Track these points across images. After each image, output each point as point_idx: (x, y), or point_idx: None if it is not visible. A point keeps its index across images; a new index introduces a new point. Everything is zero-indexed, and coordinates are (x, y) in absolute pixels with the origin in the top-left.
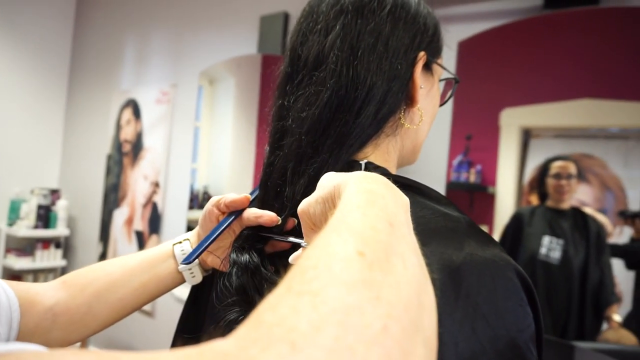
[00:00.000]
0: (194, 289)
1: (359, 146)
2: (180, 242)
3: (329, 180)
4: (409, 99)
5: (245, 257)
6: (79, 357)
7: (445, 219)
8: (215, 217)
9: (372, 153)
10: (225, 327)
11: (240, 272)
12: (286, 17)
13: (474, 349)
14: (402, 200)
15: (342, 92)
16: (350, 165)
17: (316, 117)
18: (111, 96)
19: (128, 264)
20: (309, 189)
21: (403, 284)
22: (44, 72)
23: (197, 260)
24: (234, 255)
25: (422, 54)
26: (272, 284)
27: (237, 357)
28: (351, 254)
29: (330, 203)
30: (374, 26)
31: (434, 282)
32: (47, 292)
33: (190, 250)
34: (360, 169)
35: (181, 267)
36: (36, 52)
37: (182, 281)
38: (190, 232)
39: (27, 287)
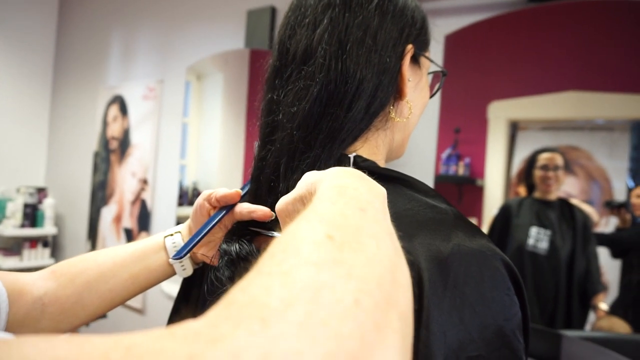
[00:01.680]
0: (185, 283)
1: (351, 140)
2: (172, 235)
3: (305, 179)
4: (398, 92)
5: (235, 247)
6: (50, 342)
7: (433, 211)
8: (206, 211)
9: (362, 147)
10: None
11: (231, 262)
12: (273, 11)
13: (462, 338)
14: (377, 191)
15: (332, 86)
16: (340, 160)
17: (307, 112)
18: (97, 92)
19: (119, 255)
20: None
21: (375, 262)
22: (28, 68)
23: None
24: (224, 246)
25: (409, 47)
26: None
27: (208, 335)
28: (320, 237)
29: (307, 201)
30: (362, 19)
31: (422, 271)
32: (36, 282)
33: (182, 242)
34: (349, 163)
35: (171, 261)
36: (19, 48)
37: (173, 273)
38: (181, 225)
39: (16, 277)
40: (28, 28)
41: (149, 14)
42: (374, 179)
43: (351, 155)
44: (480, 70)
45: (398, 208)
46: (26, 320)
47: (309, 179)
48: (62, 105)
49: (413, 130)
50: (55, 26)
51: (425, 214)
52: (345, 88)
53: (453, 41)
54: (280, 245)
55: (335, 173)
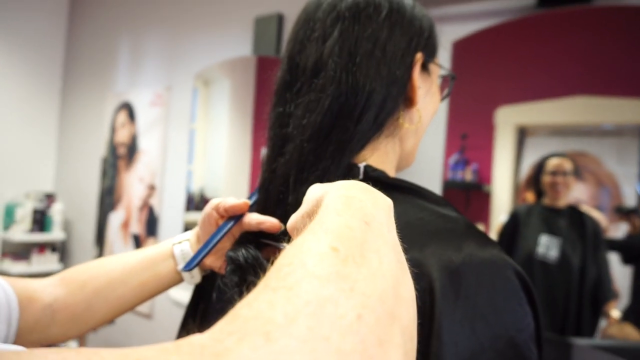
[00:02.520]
0: (195, 293)
1: (359, 149)
2: (180, 242)
3: (311, 194)
4: (408, 100)
5: (242, 253)
6: (60, 355)
7: (444, 220)
8: (214, 221)
9: (371, 155)
10: None
11: (238, 268)
12: (280, 18)
13: (474, 349)
14: (383, 203)
15: (343, 98)
16: (350, 169)
17: (317, 124)
18: (105, 98)
19: (128, 263)
20: None
21: (378, 277)
22: (38, 74)
23: None
24: (230, 253)
25: (419, 55)
26: None
27: (213, 349)
28: (325, 250)
29: (314, 215)
30: (372, 32)
31: (433, 282)
32: (46, 289)
33: (190, 250)
34: (359, 173)
35: (183, 273)
36: (29, 54)
37: (181, 280)
38: (189, 232)
39: (26, 284)
40: (37, 34)
41: (157, 20)
42: (384, 189)
43: (361, 165)
44: (487, 76)
45: (409, 218)
46: (36, 326)
47: (315, 193)
48: (71, 111)
49: (423, 137)
50: (64, 32)
51: (437, 223)
52: (355, 100)
53: (461, 47)
54: (286, 258)
55: (341, 185)
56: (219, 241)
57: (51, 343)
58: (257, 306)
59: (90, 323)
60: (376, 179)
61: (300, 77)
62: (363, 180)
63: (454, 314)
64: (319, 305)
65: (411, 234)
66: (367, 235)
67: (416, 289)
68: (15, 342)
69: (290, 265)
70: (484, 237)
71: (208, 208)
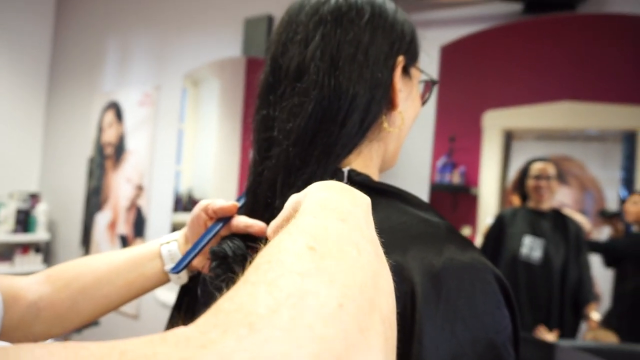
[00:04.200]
0: (182, 292)
1: (346, 154)
2: (168, 243)
3: (290, 200)
4: (390, 103)
5: (227, 244)
6: (46, 348)
7: (426, 225)
8: (203, 222)
9: (355, 160)
10: None
11: (222, 261)
12: (270, 20)
13: (454, 352)
14: (361, 200)
15: (325, 102)
16: (334, 174)
17: (302, 129)
18: (93, 98)
19: (114, 261)
20: None
21: (357, 268)
22: (23, 73)
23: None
24: (214, 248)
25: (400, 58)
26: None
27: (198, 340)
28: (302, 249)
29: (292, 219)
30: (354, 36)
31: (415, 285)
32: (31, 287)
33: (177, 251)
34: (343, 177)
35: (167, 270)
36: (15, 52)
37: (168, 280)
38: (177, 232)
39: (11, 282)
40: (24, 33)
41: (145, 19)
42: (367, 193)
43: (345, 170)
44: (475, 80)
45: (392, 222)
46: (20, 324)
47: (293, 199)
48: (57, 110)
49: (405, 140)
50: (51, 30)
51: (419, 227)
52: (339, 104)
53: (449, 51)
54: (264, 257)
55: (318, 188)
56: (208, 243)
57: (34, 341)
58: (239, 300)
59: (75, 321)
60: (360, 183)
61: (283, 79)
62: (347, 184)
63: (435, 318)
64: (300, 297)
65: (394, 238)
66: (343, 232)
67: (398, 292)
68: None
69: (269, 263)
70: (464, 241)
71: (197, 209)
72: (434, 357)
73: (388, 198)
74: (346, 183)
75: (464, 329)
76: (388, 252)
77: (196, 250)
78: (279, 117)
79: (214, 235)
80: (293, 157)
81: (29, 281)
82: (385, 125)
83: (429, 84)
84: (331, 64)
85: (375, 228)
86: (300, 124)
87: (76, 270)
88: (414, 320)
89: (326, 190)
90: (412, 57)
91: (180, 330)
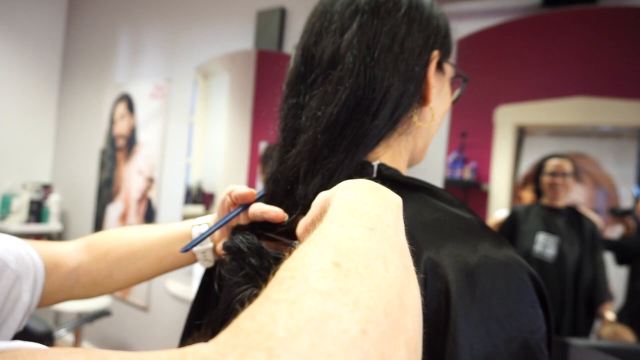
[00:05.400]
0: (203, 283)
1: (373, 146)
2: (200, 225)
3: (319, 198)
4: (422, 98)
5: (240, 238)
6: (71, 357)
7: (459, 221)
8: (227, 206)
9: (384, 153)
10: (238, 304)
11: (237, 253)
12: (283, 12)
13: (489, 351)
14: (390, 201)
15: (360, 92)
16: (363, 167)
17: (334, 117)
18: (105, 90)
19: (149, 238)
20: (323, 189)
21: (383, 286)
22: (36, 65)
23: (210, 244)
24: (226, 243)
25: (435, 53)
26: (273, 256)
27: None
28: (327, 265)
29: (319, 221)
30: (390, 27)
31: (449, 283)
32: (71, 255)
33: None
34: (373, 171)
35: (197, 255)
36: (28, 45)
37: (196, 260)
38: (210, 216)
39: (52, 250)
40: (36, 24)
41: (157, 12)
42: (397, 188)
43: (375, 164)
44: (489, 74)
45: (425, 218)
46: (61, 288)
47: (322, 197)
48: (70, 102)
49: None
50: (63, 22)
51: (452, 224)
52: (373, 95)
53: (464, 45)
54: (288, 271)
55: (347, 188)
56: (220, 227)
57: (74, 299)
58: (260, 319)
59: (111, 287)
60: (390, 177)
61: (315, 68)
62: (376, 178)
63: (469, 316)
64: (322, 320)
65: (427, 235)
66: (371, 243)
67: (431, 291)
68: (40, 303)
69: (293, 279)
70: (498, 239)
71: (224, 193)
72: (469, 356)
73: (419, 193)
74: (375, 177)
75: (498, 328)
76: (422, 248)
77: (207, 233)
78: (308, 105)
79: (228, 220)
80: (321, 145)
81: (69, 248)
82: (416, 119)
83: (457, 81)
84: (367, 53)
85: (407, 224)
86: (332, 111)
87: (113, 242)
88: (448, 319)
89: (355, 191)
90: (446, 53)
91: (200, 349)
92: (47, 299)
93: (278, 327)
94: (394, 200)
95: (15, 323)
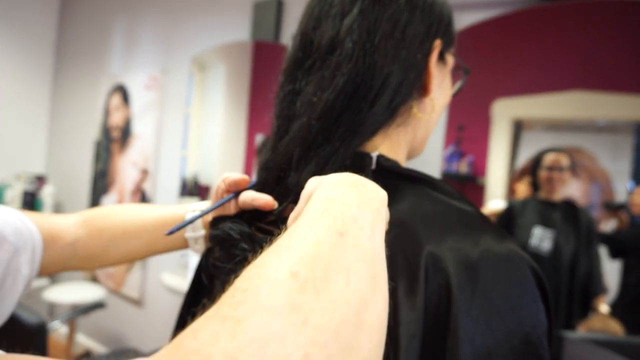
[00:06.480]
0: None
1: (370, 135)
2: (194, 211)
3: (307, 189)
4: (422, 88)
5: (227, 225)
6: None
7: (460, 214)
8: (221, 192)
9: (382, 144)
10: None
11: (221, 241)
12: (280, 3)
13: (490, 345)
14: (373, 198)
15: (359, 79)
16: (362, 157)
17: (330, 103)
18: (99, 81)
19: (144, 218)
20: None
21: (339, 303)
22: (30, 55)
23: (202, 232)
24: (212, 231)
25: (438, 42)
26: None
27: None
28: (283, 276)
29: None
30: (392, 13)
31: (450, 277)
32: (69, 229)
33: (199, 220)
34: (372, 162)
35: (188, 240)
36: (21, 35)
37: (188, 245)
38: (205, 202)
39: (50, 223)
40: (30, 14)
41: (153, 1)
42: (397, 180)
43: (374, 155)
44: (486, 68)
45: (425, 210)
46: (58, 260)
47: (310, 187)
48: (64, 93)
49: (434, 129)
50: (57, 12)
51: (453, 217)
52: (371, 82)
53: (460, 38)
54: (244, 282)
55: (329, 183)
56: (210, 211)
57: (72, 270)
58: (202, 337)
59: (106, 262)
60: (389, 169)
61: (313, 53)
62: (376, 170)
63: (470, 311)
64: (264, 343)
65: (428, 228)
66: (336, 251)
67: (432, 285)
68: (40, 274)
69: (245, 292)
70: (499, 232)
71: (219, 180)
72: (470, 350)
73: (420, 186)
74: (374, 169)
75: (500, 322)
76: (422, 242)
77: (190, 219)
78: (304, 90)
79: (218, 206)
80: (315, 131)
81: (67, 222)
82: (415, 110)
83: (457, 74)
84: (367, 39)
85: (407, 217)
86: (329, 97)
87: (110, 220)
88: (449, 313)
89: (336, 188)
90: (448, 42)
91: None
92: (44, 270)
93: (217, 349)
94: (377, 197)
95: (16, 294)
